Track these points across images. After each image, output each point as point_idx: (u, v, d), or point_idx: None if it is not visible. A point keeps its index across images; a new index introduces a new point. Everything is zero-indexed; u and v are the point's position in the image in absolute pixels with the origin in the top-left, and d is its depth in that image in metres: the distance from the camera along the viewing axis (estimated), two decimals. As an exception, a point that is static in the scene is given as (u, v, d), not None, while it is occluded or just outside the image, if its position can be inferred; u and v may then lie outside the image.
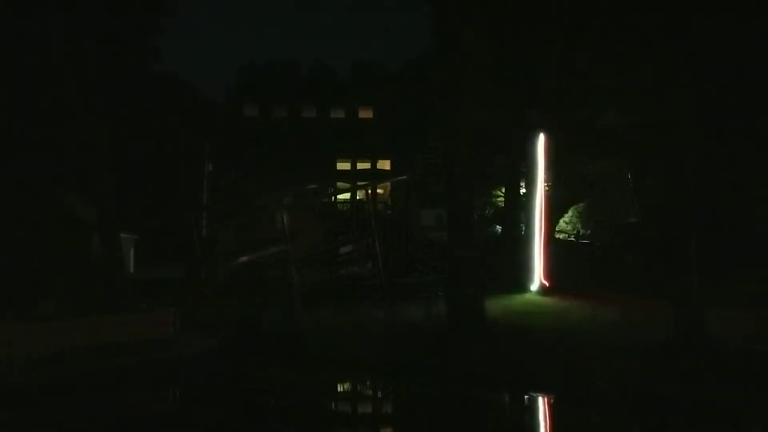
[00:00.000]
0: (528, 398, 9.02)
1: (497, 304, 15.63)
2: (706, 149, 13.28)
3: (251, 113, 44.17)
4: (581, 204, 25.87)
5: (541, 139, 20.64)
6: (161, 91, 28.93)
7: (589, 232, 26.10)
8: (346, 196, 34.03)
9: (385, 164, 38.43)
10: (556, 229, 24.79)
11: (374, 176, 31.78)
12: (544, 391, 8.88)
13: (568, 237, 26.03)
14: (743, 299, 13.12)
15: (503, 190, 24.89)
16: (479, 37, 17.14)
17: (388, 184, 32.96)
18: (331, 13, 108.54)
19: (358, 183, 26.68)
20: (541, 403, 8.84)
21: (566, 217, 26.27)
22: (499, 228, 27.34)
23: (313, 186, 32.52)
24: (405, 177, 25.92)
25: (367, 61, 45.56)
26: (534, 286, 20.27)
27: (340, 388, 10.63)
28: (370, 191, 20.77)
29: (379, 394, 9.93)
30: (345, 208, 34.79)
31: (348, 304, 17.09)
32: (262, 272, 19.01)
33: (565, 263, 19.97)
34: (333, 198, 34.13)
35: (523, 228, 22.27)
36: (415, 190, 30.45)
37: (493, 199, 27.59)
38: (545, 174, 20.92)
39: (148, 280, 19.93)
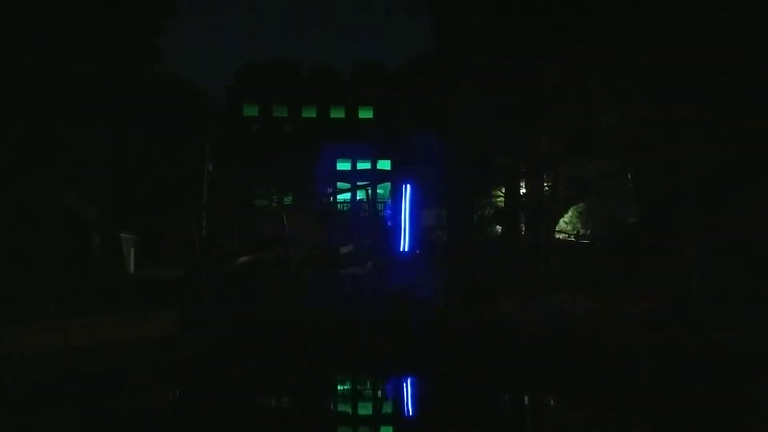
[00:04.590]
0: (526, 396, 9.06)
1: (495, 302, 15.64)
2: (706, 148, 13.29)
3: (251, 113, 44.17)
4: (581, 204, 25.87)
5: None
6: (161, 91, 28.94)
7: (589, 232, 26.10)
8: (347, 196, 34.11)
9: (385, 164, 38.43)
10: (556, 229, 24.79)
11: (374, 176, 31.77)
12: (542, 388, 8.95)
13: (568, 237, 26.03)
14: (743, 299, 13.13)
15: (503, 190, 24.88)
16: (479, 40, 17.19)
17: (389, 184, 33.00)
18: (332, 12, 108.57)
19: (358, 183, 26.69)
20: (539, 401, 8.87)
21: (566, 217, 26.26)
22: (499, 228, 27.35)
23: (314, 186, 32.49)
24: (404, 177, 25.94)
25: (368, 61, 45.58)
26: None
27: (340, 387, 10.66)
28: (370, 191, 20.78)
29: (379, 393, 9.96)
30: (345, 208, 34.86)
31: (348, 304, 17.11)
32: (262, 272, 19.03)
33: (564, 263, 19.99)
34: (333, 198, 34.15)
35: (523, 228, 22.29)
36: (415, 190, 30.47)
37: (493, 199, 27.59)
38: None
39: (148, 280, 19.95)
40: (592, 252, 21.10)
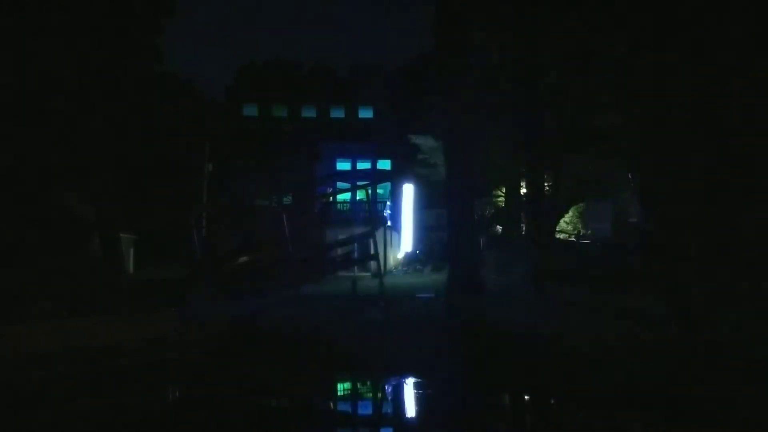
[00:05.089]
0: (527, 396, 9.08)
1: (496, 303, 15.66)
2: (708, 148, 13.28)
3: (251, 113, 44.16)
4: (581, 204, 25.89)
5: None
6: (161, 91, 28.94)
7: (589, 232, 26.12)
8: (347, 195, 34.07)
9: (385, 164, 38.42)
10: (557, 229, 24.83)
11: (374, 176, 31.76)
12: (543, 387, 8.98)
13: (569, 237, 26.06)
14: (743, 297, 13.15)
15: (503, 190, 24.90)
16: (479, 38, 17.18)
17: (389, 184, 33.00)
18: (332, 12, 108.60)
19: (358, 183, 26.68)
20: (540, 400, 8.90)
21: (566, 217, 26.30)
22: (499, 228, 27.37)
23: (314, 186, 32.45)
24: (405, 177, 25.96)
25: (367, 61, 45.59)
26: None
27: (340, 387, 10.65)
28: (370, 191, 20.78)
29: (380, 394, 9.97)
30: (345, 208, 34.83)
31: (348, 304, 17.13)
32: (262, 272, 19.05)
33: (564, 262, 20.02)
34: (333, 198, 34.11)
35: (524, 228, 22.31)
36: (415, 191, 30.47)
37: (493, 199, 27.61)
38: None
39: (148, 280, 19.96)
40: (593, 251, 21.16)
